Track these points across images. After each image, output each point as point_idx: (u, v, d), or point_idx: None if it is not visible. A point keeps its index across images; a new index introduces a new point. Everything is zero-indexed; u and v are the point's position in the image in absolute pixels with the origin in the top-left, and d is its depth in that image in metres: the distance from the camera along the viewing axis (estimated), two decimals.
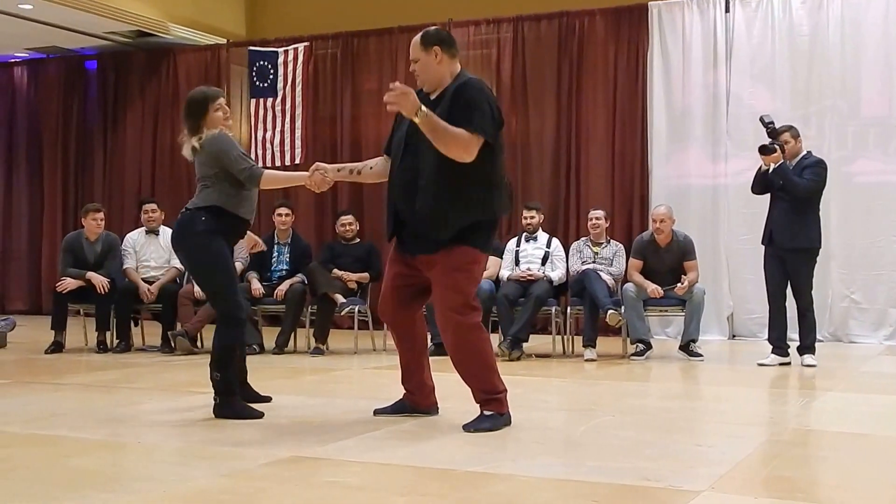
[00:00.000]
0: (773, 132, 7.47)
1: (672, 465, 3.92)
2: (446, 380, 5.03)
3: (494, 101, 4.76)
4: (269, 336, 8.72)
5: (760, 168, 7.62)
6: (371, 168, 5.13)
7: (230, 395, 5.09)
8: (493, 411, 4.71)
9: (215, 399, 5.08)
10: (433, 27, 4.99)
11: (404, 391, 5.11)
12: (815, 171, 7.54)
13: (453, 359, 4.80)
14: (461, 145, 4.53)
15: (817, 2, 10.09)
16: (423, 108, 4.51)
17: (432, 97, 4.75)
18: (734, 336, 10.25)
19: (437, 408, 5.09)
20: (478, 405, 4.76)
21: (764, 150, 7.46)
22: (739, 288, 10.15)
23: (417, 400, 5.07)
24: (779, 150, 7.43)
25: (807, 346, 7.57)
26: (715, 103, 10.38)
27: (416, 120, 4.52)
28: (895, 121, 9.81)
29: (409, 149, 4.72)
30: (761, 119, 7.54)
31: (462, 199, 4.61)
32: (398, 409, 5.07)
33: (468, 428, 4.60)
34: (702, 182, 10.37)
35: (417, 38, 4.79)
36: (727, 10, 10.40)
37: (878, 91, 9.91)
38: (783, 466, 4.05)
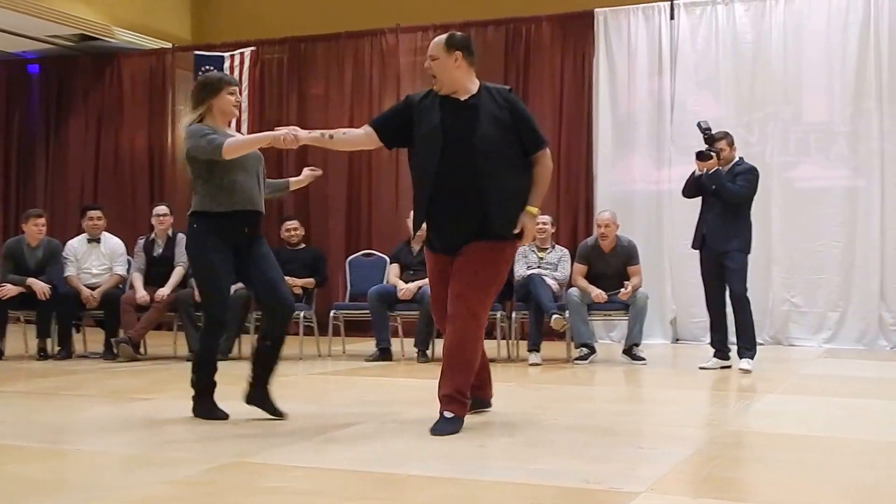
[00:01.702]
0: (710, 139, 7.57)
1: (613, 467, 3.96)
2: (392, 385, 5.04)
3: None
4: None
5: (694, 173, 7.72)
6: (344, 134, 5.17)
7: (201, 395, 5.15)
8: (454, 413, 4.73)
9: (193, 398, 5.16)
10: (461, 33, 5.06)
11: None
12: (748, 177, 7.65)
13: (451, 348, 4.85)
14: (551, 168, 4.99)
15: (760, 10, 10.26)
16: (535, 207, 4.88)
17: (462, 98, 4.86)
18: (677, 340, 10.37)
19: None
20: (439, 405, 4.77)
21: (701, 156, 7.56)
22: (682, 292, 10.28)
23: (484, 394, 5.22)
24: (715, 157, 7.53)
25: (746, 348, 7.63)
26: (659, 110, 10.50)
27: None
28: (836, 127, 9.99)
29: (456, 145, 4.78)
30: (699, 125, 7.65)
31: (522, 197, 4.86)
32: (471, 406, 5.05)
33: (435, 432, 4.62)
34: (646, 188, 10.48)
35: (442, 38, 4.89)
36: (672, 18, 10.53)
37: (819, 98, 10.09)
38: (721, 467, 4.10)
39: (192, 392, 5.16)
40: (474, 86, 4.91)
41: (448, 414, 4.72)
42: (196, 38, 13.18)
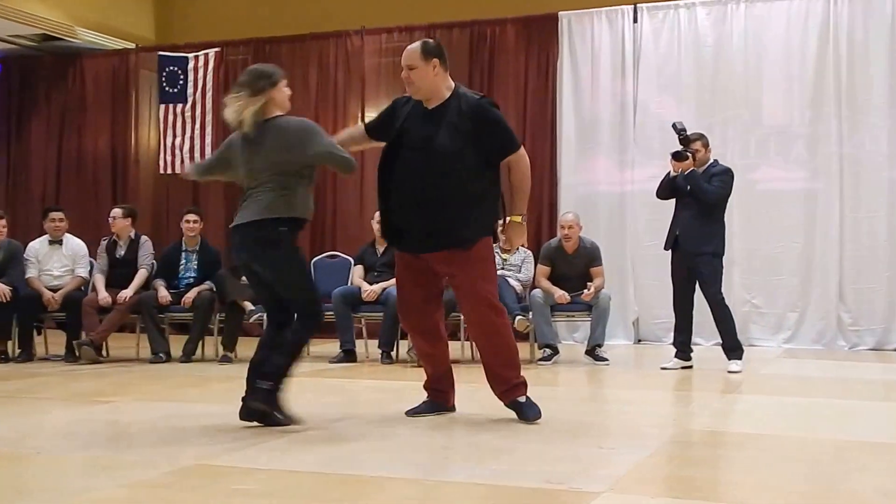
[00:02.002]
0: (685, 140, 7.60)
1: (574, 467, 4.00)
2: (356, 386, 5.06)
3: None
4: (177, 344, 8.63)
5: (669, 174, 7.76)
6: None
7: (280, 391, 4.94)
8: (527, 396, 5.09)
9: (274, 392, 4.89)
10: (431, 40, 5.15)
11: (433, 391, 5.32)
12: (723, 178, 7.71)
13: (487, 348, 5.14)
14: (527, 172, 5.12)
15: (721, 14, 10.36)
16: (519, 215, 5.06)
17: (430, 107, 4.99)
18: (640, 340, 10.45)
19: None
20: (504, 397, 5.12)
21: (678, 157, 7.59)
22: (645, 293, 10.36)
23: (447, 398, 5.34)
24: (690, 157, 7.58)
25: (731, 348, 7.68)
26: (622, 112, 10.58)
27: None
28: (795, 129, 10.10)
29: (414, 152, 4.91)
30: (674, 126, 7.66)
31: (489, 201, 5.02)
32: (432, 408, 5.24)
33: (532, 417, 5.00)
34: (609, 189, 10.54)
35: (417, 46, 4.97)
36: (635, 21, 10.60)
37: (779, 101, 10.20)
38: (682, 467, 4.16)
39: (148, 396, 5.13)
40: (448, 91, 5.02)
41: (522, 398, 5.08)
42: (160, 38, 13.12)
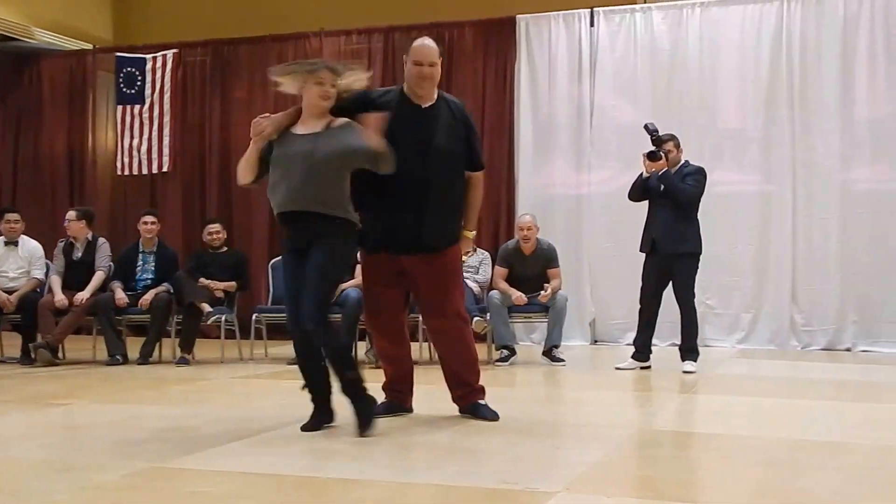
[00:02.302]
0: (658, 140, 7.64)
1: (530, 467, 4.04)
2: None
3: None
4: (134, 346, 8.59)
5: (641, 175, 7.79)
6: None
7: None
8: (485, 400, 5.25)
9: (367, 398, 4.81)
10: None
11: (392, 392, 5.35)
12: (697, 178, 7.77)
13: (453, 352, 5.25)
14: (482, 191, 5.23)
15: (677, 19, 10.48)
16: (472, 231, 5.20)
17: (424, 105, 4.96)
18: (596, 341, 10.54)
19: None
20: (463, 401, 5.24)
21: (652, 157, 7.62)
22: (601, 294, 10.45)
23: (406, 399, 5.38)
24: (664, 158, 7.64)
25: (688, 350, 7.77)
26: (579, 115, 10.66)
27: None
28: (749, 133, 10.24)
29: (410, 152, 4.81)
30: (646, 127, 7.70)
31: (461, 210, 5.11)
32: (390, 409, 5.26)
33: (493, 417, 5.12)
34: (566, 191, 10.62)
35: (434, 44, 4.96)
36: (592, 25, 10.71)
37: (733, 105, 10.33)
38: (637, 466, 4.22)
39: (105, 398, 5.10)
40: (435, 93, 5.04)
41: (482, 401, 5.24)
42: (118, 39, 13.03)
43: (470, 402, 5.22)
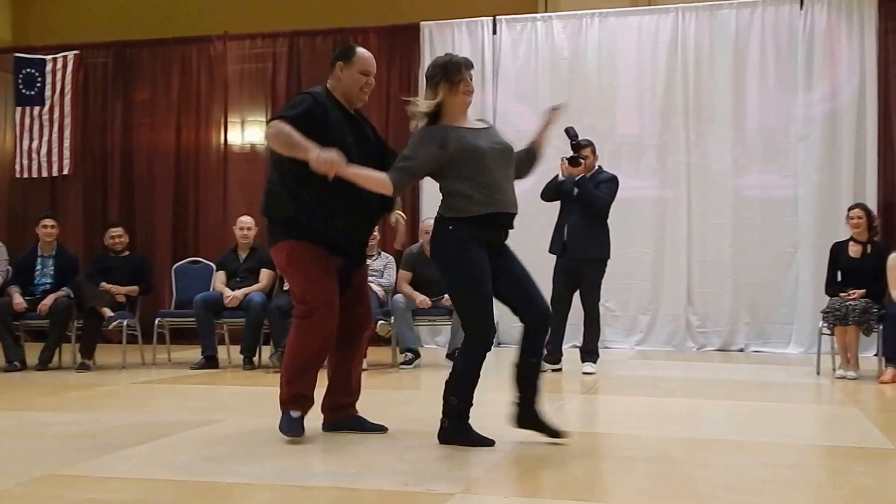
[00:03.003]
0: (577, 146, 7.75)
1: (431, 469, 4.11)
2: (217, 392, 5.07)
3: None
4: (33, 352, 8.44)
5: (557, 177, 7.93)
6: None
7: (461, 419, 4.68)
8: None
9: (443, 423, 4.70)
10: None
11: (340, 409, 5.07)
12: (610, 186, 7.95)
13: (358, 360, 5.11)
14: None
15: (577, 27, 10.69)
16: None
17: (351, 110, 4.95)
18: (500, 344, 10.62)
19: None
20: (348, 412, 5.06)
21: (573, 162, 7.73)
22: None
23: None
24: (583, 164, 7.79)
25: (590, 352, 7.94)
26: None
27: None
28: (646, 140, 10.49)
29: (364, 160, 4.70)
30: (567, 131, 7.77)
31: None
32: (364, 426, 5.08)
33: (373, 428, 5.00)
34: None
35: None
36: (494, 33, 10.86)
37: (631, 112, 10.58)
38: (535, 467, 4.29)
39: (2, 405, 5.03)
40: None
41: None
42: (17, 39, 12.73)
43: (351, 414, 5.11)
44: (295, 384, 4.76)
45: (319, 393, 4.93)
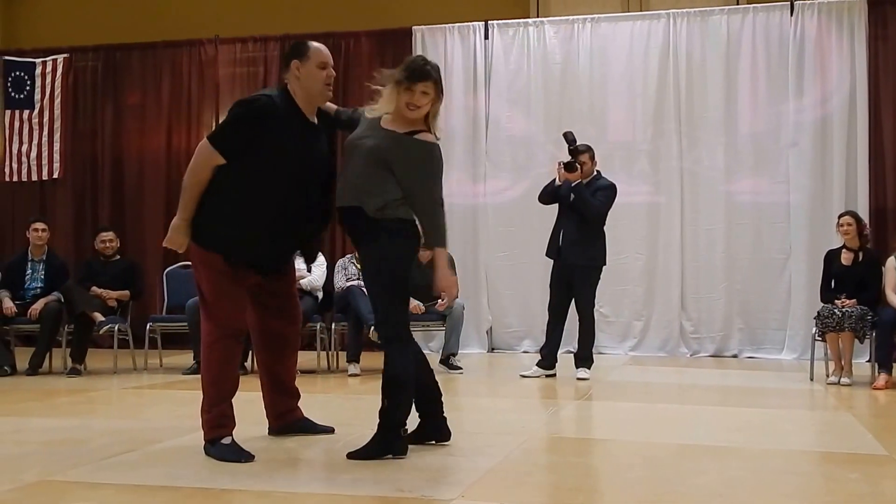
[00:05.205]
0: (575, 151, 7.76)
1: (426, 475, 4.09)
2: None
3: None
4: (23, 357, 8.39)
5: (554, 181, 7.92)
6: None
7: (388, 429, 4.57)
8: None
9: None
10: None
11: (285, 415, 5.08)
12: (607, 193, 7.93)
13: (293, 360, 5.09)
14: None
15: (569, 32, 10.68)
16: None
17: (314, 121, 4.74)
18: (493, 349, 10.66)
19: None
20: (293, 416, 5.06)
21: (569, 168, 7.74)
22: (498, 303, 10.59)
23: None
24: (579, 169, 7.77)
25: (583, 358, 7.92)
26: (475, 126, 10.79)
27: None
28: (639, 145, 10.48)
29: (317, 171, 4.65)
30: (565, 136, 7.77)
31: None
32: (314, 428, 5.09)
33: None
34: (463, 201, 10.70)
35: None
36: (486, 38, 10.84)
37: (622, 117, 10.56)
38: (531, 472, 4.29)
39: None
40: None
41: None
42: (6, 42, 12.68)
43: (297, 417, 5.10)
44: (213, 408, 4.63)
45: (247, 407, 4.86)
